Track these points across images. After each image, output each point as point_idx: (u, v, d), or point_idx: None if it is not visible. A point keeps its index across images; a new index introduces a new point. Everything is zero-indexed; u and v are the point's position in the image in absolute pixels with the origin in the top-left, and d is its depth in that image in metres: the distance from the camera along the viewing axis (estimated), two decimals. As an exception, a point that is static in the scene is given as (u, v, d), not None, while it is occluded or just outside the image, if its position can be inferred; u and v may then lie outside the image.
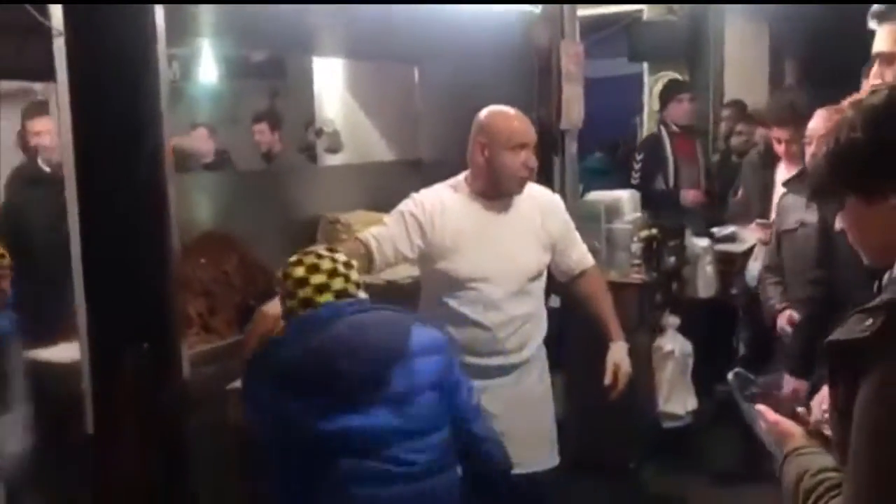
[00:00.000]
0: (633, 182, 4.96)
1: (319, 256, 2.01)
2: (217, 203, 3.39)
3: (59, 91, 1.99)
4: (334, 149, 4.65)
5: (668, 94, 5.22)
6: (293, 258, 2.02)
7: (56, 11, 1.95)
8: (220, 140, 5.01)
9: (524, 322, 2.62)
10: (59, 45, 1.96)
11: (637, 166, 5.04)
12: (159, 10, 2.04)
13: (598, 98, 5.38)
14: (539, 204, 2.68)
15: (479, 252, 2.56)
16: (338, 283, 1.97)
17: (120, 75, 2.03)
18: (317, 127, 4.75)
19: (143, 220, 2.12)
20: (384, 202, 3.89)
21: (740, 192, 4.48)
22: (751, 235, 4.07)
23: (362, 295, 2.02)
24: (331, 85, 4.65)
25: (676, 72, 6.37)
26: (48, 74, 1.94)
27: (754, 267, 3.93)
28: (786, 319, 3.22)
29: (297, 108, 5.03)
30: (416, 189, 4.14)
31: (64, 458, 2.48)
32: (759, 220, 3.91)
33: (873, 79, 1.89)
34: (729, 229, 4.41)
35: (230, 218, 3.38)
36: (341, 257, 2.04)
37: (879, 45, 1.91)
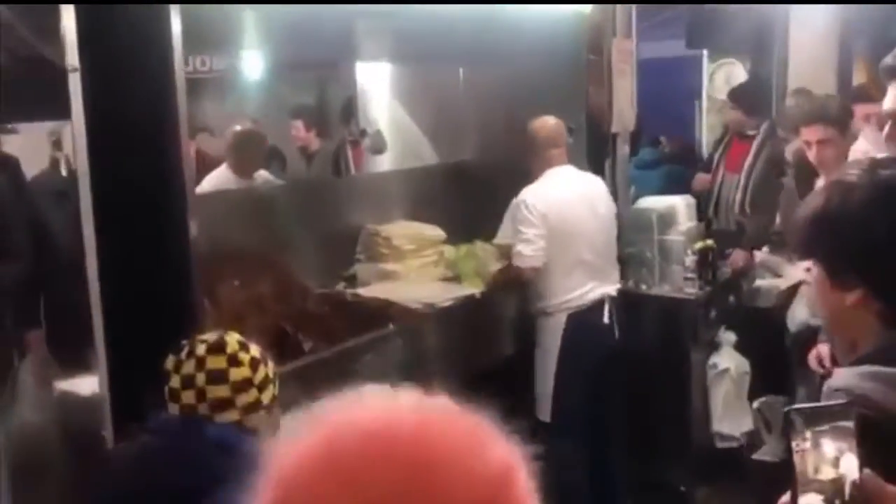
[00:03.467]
0: (700, 168, 4.86)
1: (190, 354, 1.58)
2: (254, 215, 3.31)
3: (75, 126, 1.91)
4: (378, 149, 4.54)
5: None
6: (185, 342, 1.62)
7: (71, 47, 1.87)
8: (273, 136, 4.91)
9: None
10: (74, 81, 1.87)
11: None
12: (178, 46, 1.96)
13: (653, 81, 5.02)
14: None
15: None
16: (187, 397, 1.56)
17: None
18: (361, 127, 4.65)
19: (163, 249, 2.12)
20: (425, 209, 3.78)
21: (777, 220, 3.96)
22: (796, 273, 3.40)
23: (224, 418, 1.55)
24: (375, 88, 4.54)
25: (738, 59, 6.08)
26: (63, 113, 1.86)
27: (800, 312, 3.48)
28: (814, 355, 2.89)
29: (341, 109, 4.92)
30: (459, 192, 4.05)
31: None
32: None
33: (888, 140, 1.67)
34: (773, 259, 3.96)
35: (267, 231, 3.30)
36: (215, 363, 1.56)
37: (889, 103, 1.67)
